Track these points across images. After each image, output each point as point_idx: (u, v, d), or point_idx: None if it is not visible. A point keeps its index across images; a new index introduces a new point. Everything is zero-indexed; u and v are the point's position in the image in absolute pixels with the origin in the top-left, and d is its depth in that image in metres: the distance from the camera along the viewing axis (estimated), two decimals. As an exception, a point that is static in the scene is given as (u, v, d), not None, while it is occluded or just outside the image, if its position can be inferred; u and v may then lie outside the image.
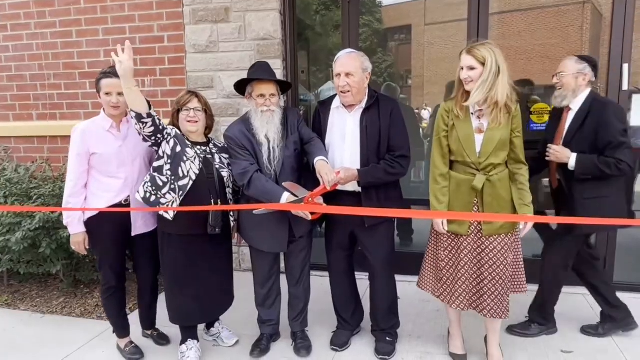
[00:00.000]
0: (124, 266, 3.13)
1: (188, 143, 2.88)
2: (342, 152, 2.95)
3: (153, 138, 2.74)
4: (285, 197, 2.73)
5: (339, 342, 3.23)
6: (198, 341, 3.12)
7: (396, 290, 3.19)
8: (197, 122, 2.90)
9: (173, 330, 3.25)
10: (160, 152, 2.82)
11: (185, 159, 2.81)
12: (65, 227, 3.67)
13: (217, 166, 2.94)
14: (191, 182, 2.81)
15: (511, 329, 3.31)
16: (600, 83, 4.32)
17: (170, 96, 4.56)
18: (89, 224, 2.95)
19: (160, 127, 2.74)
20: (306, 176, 2.98)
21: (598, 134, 2.89)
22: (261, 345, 3.20)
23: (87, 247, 2.99)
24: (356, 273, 3.30)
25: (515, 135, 2.69)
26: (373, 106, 2.91)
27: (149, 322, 3.37)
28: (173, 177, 2.79)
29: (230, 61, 4.32)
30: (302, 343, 3.19)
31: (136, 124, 2.67)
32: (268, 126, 2.86)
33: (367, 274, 3.18)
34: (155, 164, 2.84)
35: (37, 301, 4.17)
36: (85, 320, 3.79)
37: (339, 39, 4.57)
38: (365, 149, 2.88)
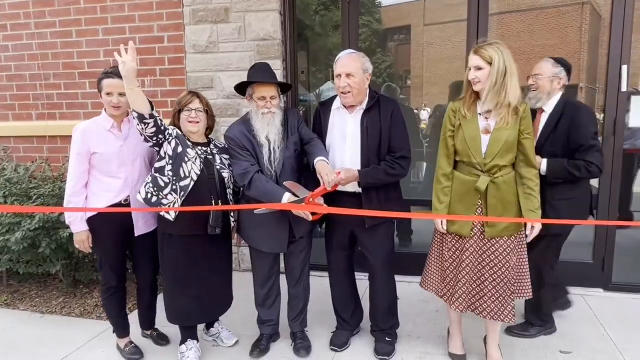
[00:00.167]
0: (125, 266, 3.14)
1: (189, 144, 2.88)
2: (342, 153, 2.95)
3: (155, 139, 2.74)
4: (286, 197, 2.73)
5: (339, 342, 3.24)
6: (198, 341, 3.12)
7: (396, 290, 3.19)
8: (198, 122, 2.90)
9: (173, 331, 3.26)
10: (162, 153, 2.82)
11: (186, 159, 2.82)
12: (65, 227, 3.72)
13: (218, 167, 2.94)
14: (192, 183, 2.81)
15: (510, 330, 3.32)
16: (599, 84, 4.33)
17: (170, 96, 4.56)
18: (90, 223, 2.95)
19: (162, 128, 2.74)
20: (306, 176, 2.99)
21: (570, 135, 2.95)
22: (261, 345, 3.20)
23: (91, 246, 2.99)
24: (356, 273, 3.31)
25: (524, 137, 2.63)
26: (374, 107, 2.91)
27: (148, 322, 3.37)
28: (175, 178, 2.80)
29: (230, 62, 4.33)
30: (301, 343, 3.20)
31: (138, 124, 2.67)
32: (269, 128, 2.87)
33: (367, 274, 3.18)
34: (157, 165, 2.85)
35: (37, 301, 4.17)
36: (84, 320, 3.79)
37: (338, 39, 4.58)
38: (366, 150, 2.89)
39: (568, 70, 3.08)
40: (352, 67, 2.83)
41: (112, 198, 2.94)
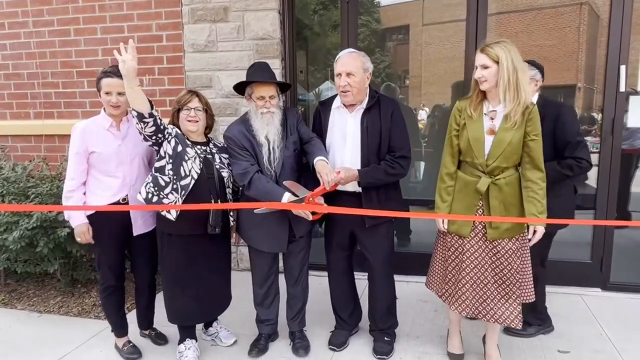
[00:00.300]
0: (123, 265, 3.13)
1: (188, 143, 2.87)
2: (342, 152, 2.95)
3: (154, 138, 2.73)
4: (286, 197, 2.73)
5: (337, 341, 3.24)
6: (196, 341, 3.12)
7: (395, 290, 3.19)
8: (197, 121, 2.90)
9: (171, 330, 3.25)
10: (162, 152, 2.81)
11: (186, 158, 2.81)
12: (63, 226, 3.72)
13: (217, 166, 2.94)
14: (193, 182, 2.81)
15: (508, 330, 3.32)
16: (597, 84, 4.34)
17: (169, 95, 4.56)
18: (89, 223, 2.95)
19: (162, 127, 2.73)
20: (306, 176, 2.99)
21: (556, 135, 2.95)
22: (259, 344, 3.20)
23: (92, 237, 2.98)
24: (354, 273, 3.31)
25: (531, 138, 2.56)
26: (374, 106, 2.91)
27: (146, 322, 3.37)
28: (175, 177, 2.79)
29: (229, 61, 4.32)
30: (300, 343, 3.20)
31: (137, 123, 2.66)
32: (268, 127, 2.86)
33: (365, 273, 3.18)
34: (157, 165, 2.84)
35: (34, 300, 4.16)
36: (82, 320, 3.78)
37: (337, 38, 4.57)
38: (366, 149, 2.88)
39: (542, 71, 3.10)
40: (352, 66, 2.82)
41: (110, 197, 2.94)
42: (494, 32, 4.20)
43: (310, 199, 2.68)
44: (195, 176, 2.82)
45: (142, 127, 2.67)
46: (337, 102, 3.00)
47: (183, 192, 2.80)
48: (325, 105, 3.07)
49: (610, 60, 3.75)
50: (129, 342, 3.23)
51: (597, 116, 4.39)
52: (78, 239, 2.95)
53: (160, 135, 2.75)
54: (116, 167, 2.93)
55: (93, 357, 3.23)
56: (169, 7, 4.50)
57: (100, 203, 2.91)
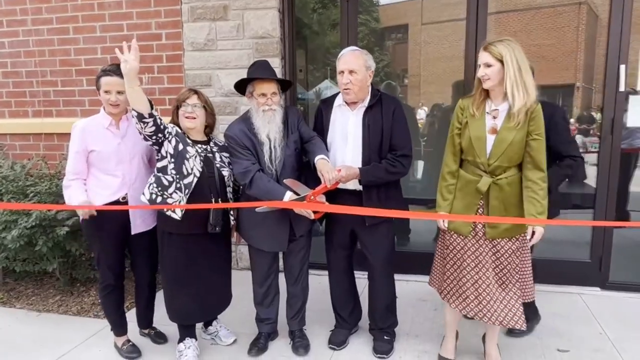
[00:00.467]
0: (123, 264, 3.12)
1: (189, 141, 2.87)
2: (343, 150, 2.94)
3: (154, 137, 2.73)
4: (288, 196, 2.72)
5: (337, 340, 3.24)
6: (196, 340, 3.12)
7: (395, 289, 3.20)
8: (194, 118, 2.88)
9: (171, 329, 3.25)
10: (163, 152, 2.80)
11: (187, 156, 2.81)
12: (62, 225, 3.71)
13: (218, 165, 2.93)
14: (195, 180, 2.80)
15: (511, 332, 3.27)
16: (595, 84, 4.34)
17: (168, 94, 4.55)
18: (87, 221, 2.94)
19: (162, 127, 2.73)
20: (307, 175, 2.98)
21: (550, 135, 2.88)
22: (259, 343, 3.19)
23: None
24: (354, 272, 3.31)
25: (532, 138, 2.53)
26: (376, 105, 2.91)
27: (146, 321, 3.36)
28: (178, 176, 2.78)
29: (229, 59, 4.31)
30: (300, 342, 3.20)
31: (137, 123, 2.66)
32: (269, 125, 2.86)
33: (365, 272, 3.18)
34: (159, 165, 2.83)
35: (33, 299, 4.15)
36: (81, 319, 3.78)
37: (336, 37, 4.57)
38: (367, 148, 2.88)
39: (532, 73, 3.09)
40: (354, 64, 2.82)
41: (110, 195, 2.93)
42: (492, 31, 4.20)
43: (312, 197, 2.68)
44: (198, 174, 2.81)
45: (141, 127, 2.66)
46: (338, 100, 2.99)
47: (187, 190, 2.79)
48: (327, 103, 3.07)
49: (610, 60, 3.76)
50: (129, 341, 3.23)
51: (596, 115, 4.40)
52: (82, 215, 2.88)
53: (160, 135, 2.74)
54: (115, 165, 2.93)
55: (92, 356, 3.22)
56: (168, 6, 4.49)
57: (99, 202, 2.90)
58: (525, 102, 2.48)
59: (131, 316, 3.38)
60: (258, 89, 2.85)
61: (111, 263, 3.02)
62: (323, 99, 3.18)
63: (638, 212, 4.40)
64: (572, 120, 4.98)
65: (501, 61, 2.48)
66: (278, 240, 2.99)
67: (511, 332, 3.29)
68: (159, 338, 3.35)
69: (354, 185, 2.90)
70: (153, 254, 3.11)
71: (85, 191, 2.90)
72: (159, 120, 2.69)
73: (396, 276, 3.21)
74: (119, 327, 3.21)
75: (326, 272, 3.29)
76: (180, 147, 2.81)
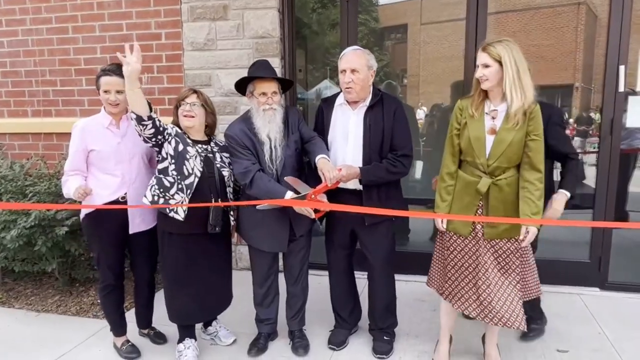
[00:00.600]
0: (122, 264, 3.12)
1: (189, 141, 2.86)
2: (344, 150, 2.94)
3: (154, 139, 2.72)
4: (288, 196, 2.72)
5: (337, 341, 3.24)
6: (195, 340, 3.11)
7: (395, 289, 3.20)
8: (193, 117, 2.87)
9: (170, 329, 3.24)
10: (163, 154, 2.80)
11: (187, 157, 2.81)
12: (61, 225, 3.70)
13: (218, 165, 2.93)
14: (197, 179, 2.80)
15: (525, 335, 3.24)
16: (594, 84, 4.35)
17: (168, 94, 4.54)
18: (87, 220, 2.96)
19: (161, 129, 2.72)
20: (307, 175, 2.99)
21: (547, 135, 2.88)
22: (259, 344, 3.19)
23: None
24: (354, 272, 3.30)
25: (531, 138, 2.51)
26: (377, 104, 2.91)
27: (145, 321, 3.36)
28: (179, 177, 2.78)
29: (229, 59, 4.31)
30: (299, 342, 3.19)
31: (136, 125, 2.65)
32: (270, 125, 2.85)
33: (365, 272, 3.18)
34: (160, 166, 2.83)
35: (32, 299, 4.14)
36: (80, 319, 3.77)
37: (336, 37, 4.57)
38: (368, 147, 2.88)
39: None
40: (356, 63, 2.82)
41: (109, 195, 2.93)
42: (491, 32, 4.21)
43: (312, 196, 2.68)
44: (199, 174, 2.81)
45: (141, 130, 2.66)
46: (340, 99, 2.99)
47: (189, 190, 2.79)
48: (328, 102, 3.07)
49: (609, 61, 3.76)
50: (128, 341, 3.22)
51: (595, 116, 4.41)
52: (77, 197, 2.79)
53: (160, 137, 2.74)
54: (115, 165, 2.93)
55: (91, 357, 3.22)
56: (168, 5, 4.48)
57: (99, 201, 2.90)
58: (522, 103, 2.48)
59: (130, 316, 3.37)
60: (259, 88, 2.85)
61: (111, 263, 3.02)
62: (324, 98, 3.18)
63: (637, 212, 4.41)
64: (570, 120, 5.00)
65: (499, 62, 2.47)
66: (278, 240, 2.99)
67: (525, 336, 3.24)
68: (159, 338, 3.34)
69: (354, 184, 2.90)
70: (153, 253, 3.11)
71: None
72: (158, 123, 2.69)
73: (396, 276, 3.21)
74: (119, 327, 3.20)
75: (326, 272, 3.29)
76: (180, 147, 2.80)
